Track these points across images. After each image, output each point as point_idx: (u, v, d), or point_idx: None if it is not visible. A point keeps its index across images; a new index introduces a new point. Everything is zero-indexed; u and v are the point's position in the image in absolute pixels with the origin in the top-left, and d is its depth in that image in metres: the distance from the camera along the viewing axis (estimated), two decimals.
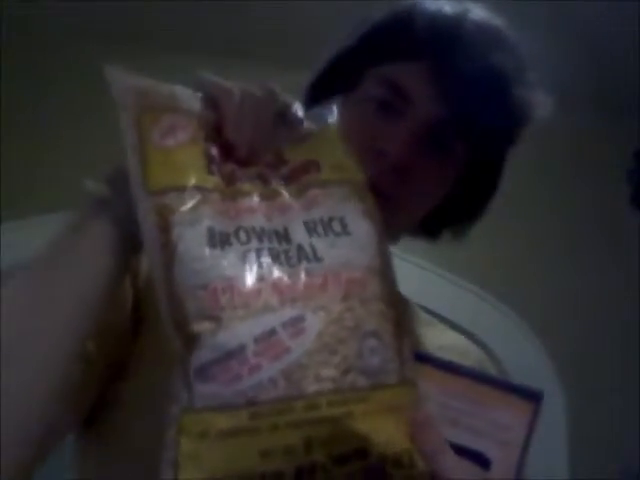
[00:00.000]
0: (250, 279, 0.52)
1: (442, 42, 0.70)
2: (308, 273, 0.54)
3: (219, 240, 0.54)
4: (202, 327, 0.50)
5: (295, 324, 0.51)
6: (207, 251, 0.53)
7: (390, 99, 0.72)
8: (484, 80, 0.69)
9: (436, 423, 0.53)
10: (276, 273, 0.53)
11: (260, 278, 0.53)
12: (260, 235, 0.55)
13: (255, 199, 0.57)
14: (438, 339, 0.80)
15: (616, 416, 2.18)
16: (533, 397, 0.58)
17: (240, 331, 0.50)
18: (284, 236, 0.56)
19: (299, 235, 0.56)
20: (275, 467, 0.48)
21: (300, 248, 0.55)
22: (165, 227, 0.54)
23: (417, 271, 2.21)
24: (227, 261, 0.53)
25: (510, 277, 2.32)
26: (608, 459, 2.11)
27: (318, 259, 0.55)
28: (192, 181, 0.56)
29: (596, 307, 2.31)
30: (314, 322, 0.51)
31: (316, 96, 0.79)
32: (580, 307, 2.31)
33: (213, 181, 0.57)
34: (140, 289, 0.71)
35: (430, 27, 0.71)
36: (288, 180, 0.59)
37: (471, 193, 0.79)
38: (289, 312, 0.52)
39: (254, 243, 0.54)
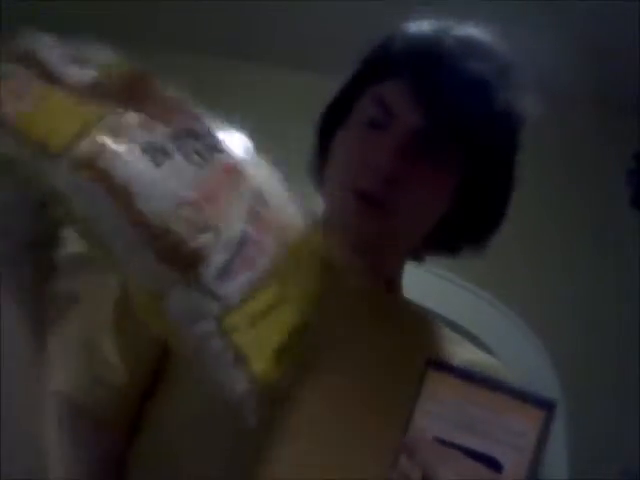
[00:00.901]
0: (212, 175, 0.54)
1: (418, 56, 0.75)
2: (229, 160, 0.56)
3: (161, 154, 0.53)
4: (202, 240, 0.51)
5: (261, 196, 0.55)
6: (160, 171, 0.52)
7: (378, 116, 0.76)
8: (460, 86, 0.72)
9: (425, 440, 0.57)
10: (223, 160, 0.55)
11: (216, 169, 0.55)
12: (180, 139, 0.55)
13: (137, 118, 0.55)
14: (466, 356, 0.80)
15: (616, 416, 2.18)
16: (545, 405, 0.59)
17: (234, 220, 0.53)
18: (194, 135, 0.56)
19: (205, 132, 0.58)
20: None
21: (212, 142, 0.57)
22: (102, 175, 0.50)
23: (417, 271, 2.21)
24: (184, 169, 0.53)
25: (510, 277, 2.32)
26: (608, 459, 2.11)
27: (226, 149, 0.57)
28: (87, 120, 0.53)
29: (596, 307, 2.31)
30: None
31: (326, 128, 0.84)
32: (580, 307, 2.31)
33: (98, 113, 0.54)
34: None
35: (407, 44, 0.77)
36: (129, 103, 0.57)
37: (482, 204, 0.81)
38: (250, 186, 0.55)
39: (187, 145, 0.55)
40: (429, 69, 0.74)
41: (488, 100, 0.74)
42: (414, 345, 0.77)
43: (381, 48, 0.81)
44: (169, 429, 0.70)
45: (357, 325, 0.77)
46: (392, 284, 0.84)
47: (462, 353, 0.81)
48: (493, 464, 0.58)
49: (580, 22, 2.10)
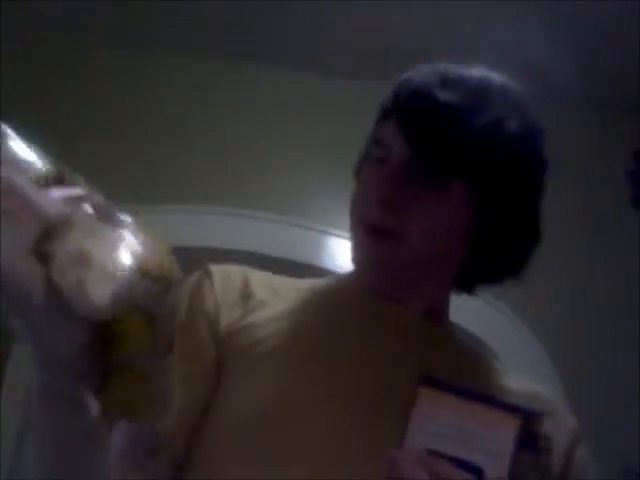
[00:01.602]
0: None
1: (401, 94, 0.84)
2: None
3: None
4: None
5: None
6: None
7: (379, 153, 0.85)
8: (434, 114, 0.79)
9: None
10: None
11: None
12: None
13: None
14: (513, 387, 0.86)
15: (616, 416, 2.18)
16: (521, 412, 0.64)
17: None
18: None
19: None
20: None
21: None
22: None
23: None
24: None
25: None
26: (608, 459, 2.11)
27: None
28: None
29: (596, 307, 2.31)
30: None
31: (356, 170, 0.92)
32: (580, 307, 2.31)
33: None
34: (220, 339, 0.81)
35: (396, 88, 0.85)
36: None
37: (506, 228, 0.86)
38: None
39: None
40: (408, 103, 0.82)
41: (461, 123, 0.79)
42: (460, 375, 0.80)
43: (384, 99, 0.88)
44: (215, 437, 0.78)
45: (396, 354, 0.82)
46: (437, 315, 0.89)
47: (510, 384, 0.86)
48: (476, 471, 0.63)
49: (580, 23, 2.11)
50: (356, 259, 0.86)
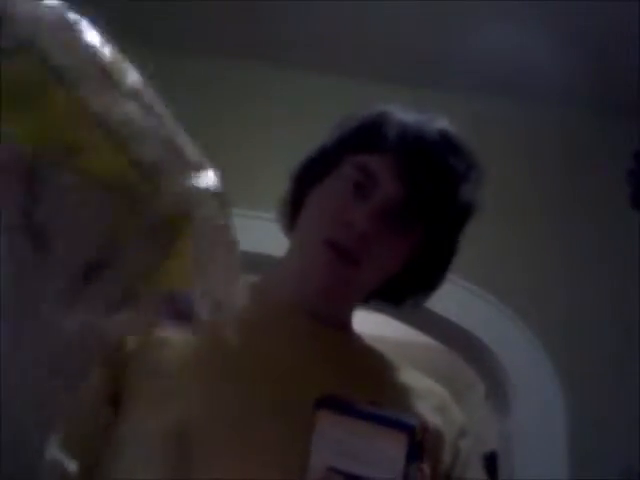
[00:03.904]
0: None
1: (407, 141, 0.88)
2: None
3: None
4: None
5: None
6: None
7: (362, 181, 0.89)
8: (437, 173, 0.88)
9: None
10: None
11: None
12: None
13: None
14: (405, 380, 0.92)
15: (616, 416, 2.19)
16: (405, 428, 0.68)
17: None
18: None
19: None
20: None
21: None
22: None
23: None
24: None
25: (510, 277, 2.32)
26: (608, 459, 2.12)
27: None
28: None
29: (596, 307, 2.32)
30: None
31: (302, 182, 0.96)
32: (580, 307, 2.32)
33: None
34: (124, 361, 0.79)
35: (398, 128, 0.90)
36: None
37: (427, 268, 0.94)
38: None
39: None
40: (415, 154, 0.88)
41: (455, 190, 0.89)
42: (365, 376, 0.88)
43: (372, 126, 0.92)
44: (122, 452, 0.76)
45: (309, 364, 0.85)
46: (345, 325, 0.95)
47: (408, 381, 0.92)
48: None
49: (580, 22, 2.11)
50: (304, 270, 0.88)
